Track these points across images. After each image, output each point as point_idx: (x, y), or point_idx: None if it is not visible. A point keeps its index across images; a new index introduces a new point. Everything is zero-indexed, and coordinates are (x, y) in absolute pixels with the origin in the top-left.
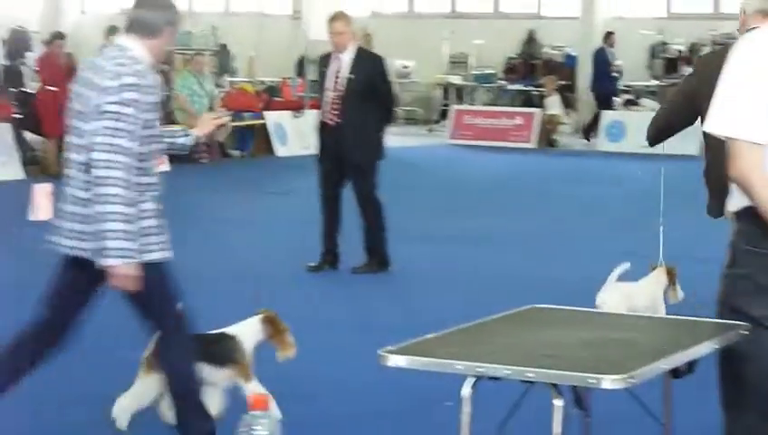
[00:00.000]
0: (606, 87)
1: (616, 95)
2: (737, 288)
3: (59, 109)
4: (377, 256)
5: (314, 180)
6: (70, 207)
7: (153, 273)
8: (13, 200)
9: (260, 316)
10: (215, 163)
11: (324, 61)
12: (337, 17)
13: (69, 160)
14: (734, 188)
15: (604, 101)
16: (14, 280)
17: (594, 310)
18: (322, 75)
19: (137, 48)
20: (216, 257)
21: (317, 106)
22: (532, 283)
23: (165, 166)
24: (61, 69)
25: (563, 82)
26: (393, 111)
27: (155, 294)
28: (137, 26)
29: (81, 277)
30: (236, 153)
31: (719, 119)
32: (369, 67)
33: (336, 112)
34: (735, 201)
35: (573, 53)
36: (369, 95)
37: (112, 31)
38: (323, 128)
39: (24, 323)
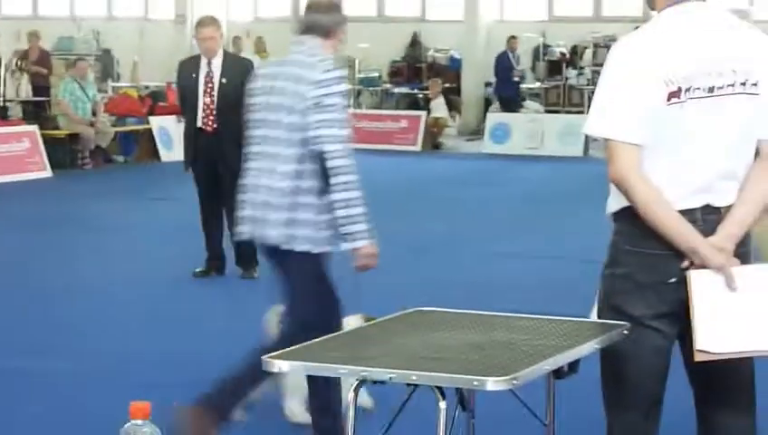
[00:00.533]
0: (509, 91)
1: (519, 98)
2: (617, 287)
3: None
4: (255, 259)
5: None
6: (261, 197)
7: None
8: None
9: (359, 316)
10: (99, 169)
11: (190, 66)
12: (207, 23)
13: (257, 154)
14: (612, 189)
15: (507, 105)
16: None
17: (479, 312)
18: (190, 81)
19: (319, 47)
20: (102, 264)
21: (179, 111)
22: (418, 286)
23: (46, 172)
24: None
25: (448, 85)
26: None
27: (313, 284)
28: (314, 28)
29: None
30: (120, 159)
31: (597, 121)
32: (240, 71)
33: (213, 118)
34: (614, 202)
35: (458, 56)
36: (242, 100)
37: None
38: (199, 133)
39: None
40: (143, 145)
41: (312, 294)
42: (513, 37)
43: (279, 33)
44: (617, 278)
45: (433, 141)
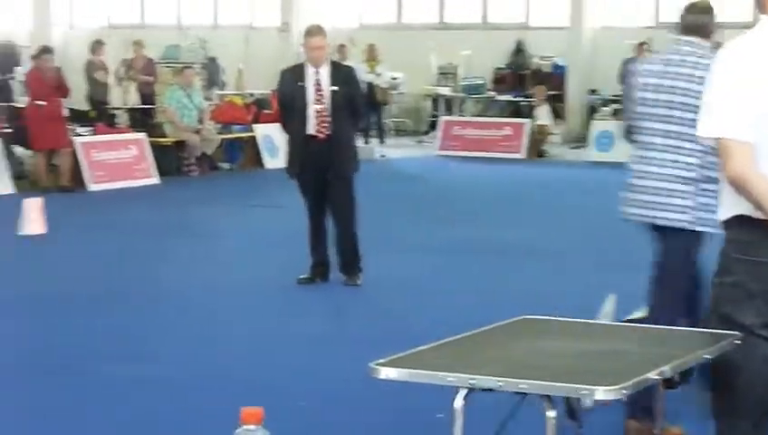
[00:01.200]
0: None
1: None
2: (727, 296)
3: (47, 123)
4: (358, 266)
5: None
6: (657, 184)
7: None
8: (2, 215)
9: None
10: (204, 176)
11: (295, 75)
12: (315, 32)
13: (649, 145)
14: (724, 195)
15: None
16: (4, 296)
17: (586, 320)
18: (296, 89)
19: (705, 48)
20: (206, 270)
21: (278, 120)
22: (524, 294)
23: (154, 178)
24: (49, 83)
25: (552, 92)
26: (363, 120)
27: (691, 262)
28: (699, 29)
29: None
30: (226, 166)
31: (709, 122)
32: (347, 79)
33: (326, 125)
34: (725, 210)
35: (562, 63)
36: (349, 106)
37: (98, 44)
38: (309, 141)
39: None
40: (248, 152)
41: (688, 271)
42: (642, 43)
43: (384, 40)
44: (726, 287)
45: (537, 149)
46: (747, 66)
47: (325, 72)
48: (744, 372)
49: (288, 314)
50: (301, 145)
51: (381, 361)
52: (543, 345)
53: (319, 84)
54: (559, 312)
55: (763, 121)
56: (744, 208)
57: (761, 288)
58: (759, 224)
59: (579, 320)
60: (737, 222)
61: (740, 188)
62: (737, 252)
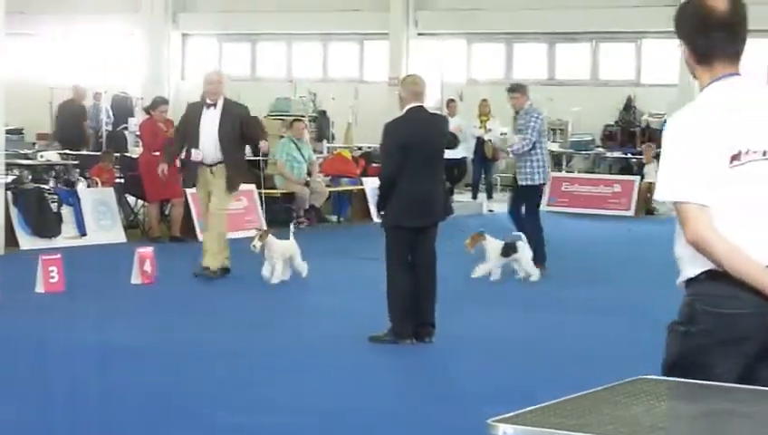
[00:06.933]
0: None
1: None
2: (696, 345)
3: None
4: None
5: None
6: None
7: None
8: (115, 263)
9: None
10: (313, 228)
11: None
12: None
13: None
14: (687, 255)
15: None
16: (121, 344)
17: (703, 382)
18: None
19: None
20: (313, 322)
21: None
22: (639, 353)
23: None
24: (163, 134)
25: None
26: None
27: None
28: None
29: None
30: (334, 218)
31: (666, 187)
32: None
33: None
34: (691, 268)
35: None
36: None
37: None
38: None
39: None
40: (356, 205)
41: None
42: None
43: (492, 95)
44: (694, 335)
45: (646, 206)
46: (698, 132)
47: None
48: None
49: (397, 368)
50: (411, 198)
51: (500, 417)
52: (661, 406)
53: None
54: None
55: (717, 183)
56: (711, 265)
57: (729, 337)
58: (727, 279)
59: (695, 381)
60: (706, 277)
61: (700, 250)
62: (706, 304)
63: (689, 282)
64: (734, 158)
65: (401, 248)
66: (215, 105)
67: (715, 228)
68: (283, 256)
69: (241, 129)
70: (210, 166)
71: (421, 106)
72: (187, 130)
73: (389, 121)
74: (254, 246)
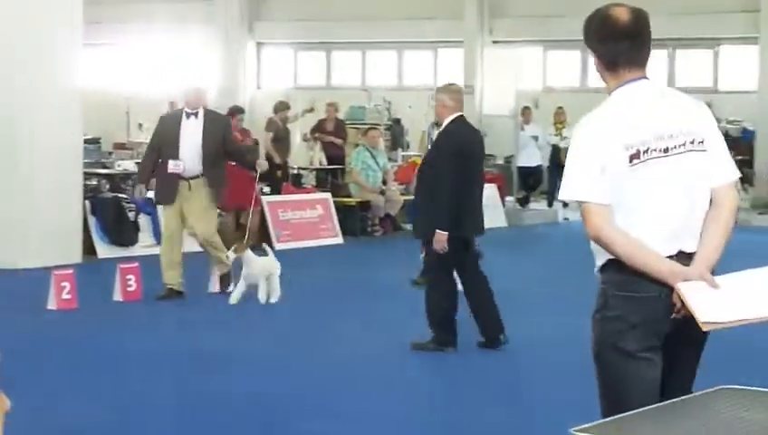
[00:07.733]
0: None
1: None
2: (611, 328)
3: (238, 183)
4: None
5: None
6: None
7: None
8: (192, 272)
9: None
10: (387, 236)
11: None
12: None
13: None
14: (594, 247)
15: None
16: (196, 351)
17: None
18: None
19: None
20: (386, 332)
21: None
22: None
23: (338, 238)
24: (239, 143)
25: (740, 157)
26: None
27: None
28: None
29: None
30: (408, 226)
31: (569, 187)
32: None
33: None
34: (599, 258)
35: (751, 128)
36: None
37: (282, 105)
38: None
39: None
40: None
41: None
42: None
43: (568, 102)
44: (609, 320)
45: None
46: (600, 134)
47: None
48: (634, 395)
49: (462, 374)
50: (467, 209)
51: (582, 426)
52: (744, 416)
53: None
54: (757, 382)
55: (618, 182)
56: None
57: (639, 319)
58: (628, 266)
59: None
60: (611, 264)
61: (601, 245)
62: (615, 289)
63: (601, 270)
64: (634, 157)
65: (448, 258)
66: (195, 115)
67: (614, 224)
68: (262, 273)
69: (223, 140)
70: (188, 179)
71: (463, 115)
72: (164, 142)
73: (448, 131)
74: (227, 256)
